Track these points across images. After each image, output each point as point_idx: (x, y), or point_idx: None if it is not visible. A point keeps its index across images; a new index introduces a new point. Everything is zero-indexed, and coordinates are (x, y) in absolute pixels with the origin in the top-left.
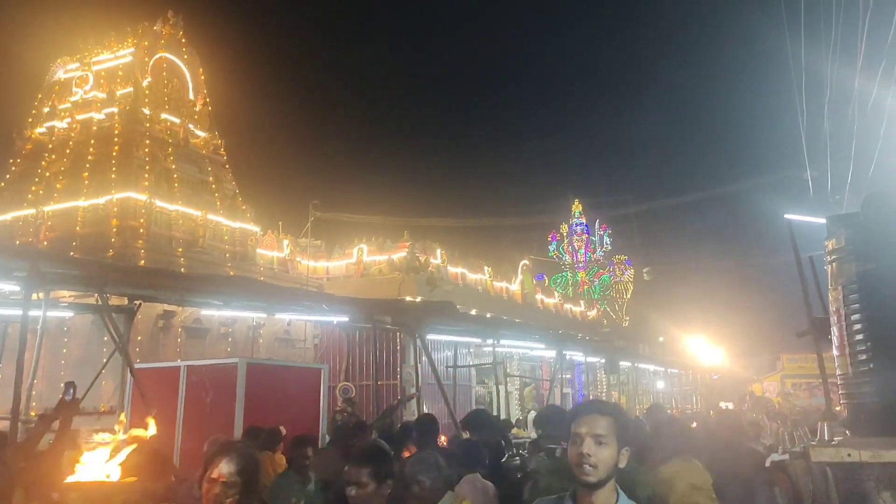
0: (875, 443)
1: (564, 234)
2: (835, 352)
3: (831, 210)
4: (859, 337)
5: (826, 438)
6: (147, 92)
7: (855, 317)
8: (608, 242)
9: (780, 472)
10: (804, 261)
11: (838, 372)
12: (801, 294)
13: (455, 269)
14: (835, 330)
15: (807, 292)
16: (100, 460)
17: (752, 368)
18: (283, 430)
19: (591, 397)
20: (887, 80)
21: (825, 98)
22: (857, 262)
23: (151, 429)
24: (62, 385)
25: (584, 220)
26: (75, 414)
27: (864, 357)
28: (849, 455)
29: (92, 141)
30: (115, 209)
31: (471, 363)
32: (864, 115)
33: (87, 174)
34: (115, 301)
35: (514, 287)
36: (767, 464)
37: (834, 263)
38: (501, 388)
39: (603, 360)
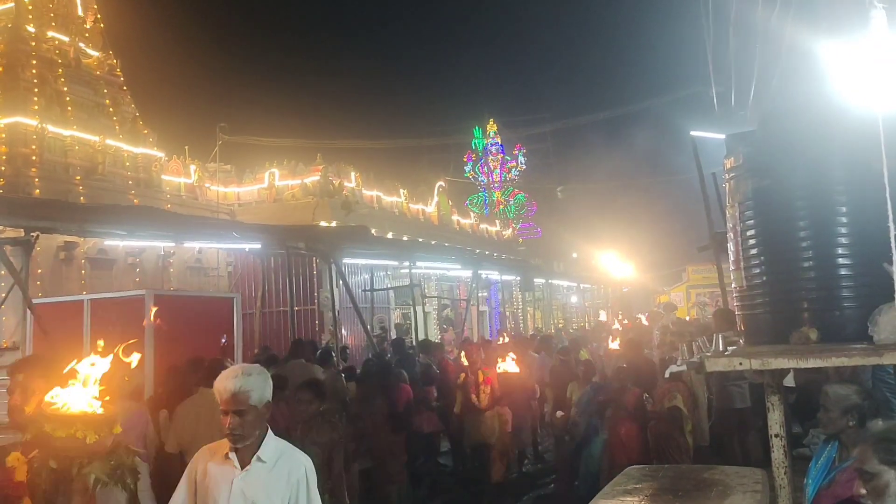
0: (764, 351)
1: (479, 154)
2: (731, 266)
3: (736, 126)
4: (753, 252)
5: (720, 349)
6: (30, 7)
7: (750, 233)
8: (523, 162)
9: (679, 380)
10: (707, 178)
11: (734, 285)
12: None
13: (370, 192)
14: (731, 245)
15: (709, 208)
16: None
17: (660, 280)
18: (228, 361)
19: (507, 314)
20: None
21: (731, 14)
22: (753, 179)
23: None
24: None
25: (499, 140)
26: None
27: (757, 271)
28: (740, 364)
29: None
30: (3, 135)
31: (388, 286)
32: (768, 31)
33: None
34: (10, 233)
35: (431, 209)
36: (666, 375)
37: (732, 180)
38: (419, 309)
39: (518, 278)
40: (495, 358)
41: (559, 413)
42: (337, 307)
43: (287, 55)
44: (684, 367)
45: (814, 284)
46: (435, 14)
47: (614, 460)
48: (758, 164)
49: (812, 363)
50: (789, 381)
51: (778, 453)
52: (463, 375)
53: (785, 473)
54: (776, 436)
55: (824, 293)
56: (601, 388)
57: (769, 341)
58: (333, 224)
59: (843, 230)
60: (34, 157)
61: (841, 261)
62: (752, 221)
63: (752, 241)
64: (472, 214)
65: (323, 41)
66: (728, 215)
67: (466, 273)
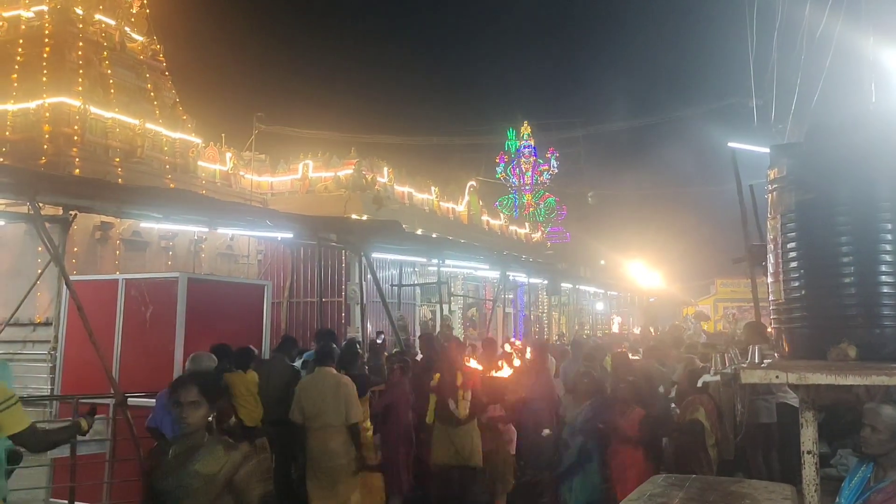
0: (802, 365)
1: (512, 156)
2: (769, 278)
3: (774, 139)
4: (793, 265)
5: (756, 361)
6: None
7: (791, 245)
8: (555, 166)
9: (704, 392)
10: (745, 189)
11: (771, 298)
12: (736, 222)
13: (402, 189)
14: (771, 257)
15: (745, 220)
16: None
17: (688, 292)
18: (254, 348)
19: (531, 318)
20: (836, 10)
21: (775, 26)
22: (797, 192)
23: None
24: None
25: (532, 143)
26: None
27: (796, 284)
28: (777, 377)
29: (20, 41)
30: (48, 114)
31: (415, 282)
32: (812, 44)
33: (15, 76)
34: (48, 211)
35: (461, 208)
36: (699, 384)
37: (775, 192)
38: (445, 307)
39: (545, 282)
40: (489, 359)
41: (545, 431)
42: (364, 300)
43: (326, 50)
44: (717, 378)
45: (854, 301)
46: (474, 14)
47: (614, 493)
48: (802, 177)
49: (851, 380)
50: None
51: (809, 470)
52: (437, 376)
53: (816, 491)
54: (808, 452)
55: (865, 310)
56: (603, 408)
57: (806, 356)
58: (364, 218)
59: (887, 247)
60: (76, 138)
61: (883, 278)
62: (793, 234)
63: (792, 254)
64: (501, 216)
65: (362, 37)
66: (769, 227)
67: (493, 274)
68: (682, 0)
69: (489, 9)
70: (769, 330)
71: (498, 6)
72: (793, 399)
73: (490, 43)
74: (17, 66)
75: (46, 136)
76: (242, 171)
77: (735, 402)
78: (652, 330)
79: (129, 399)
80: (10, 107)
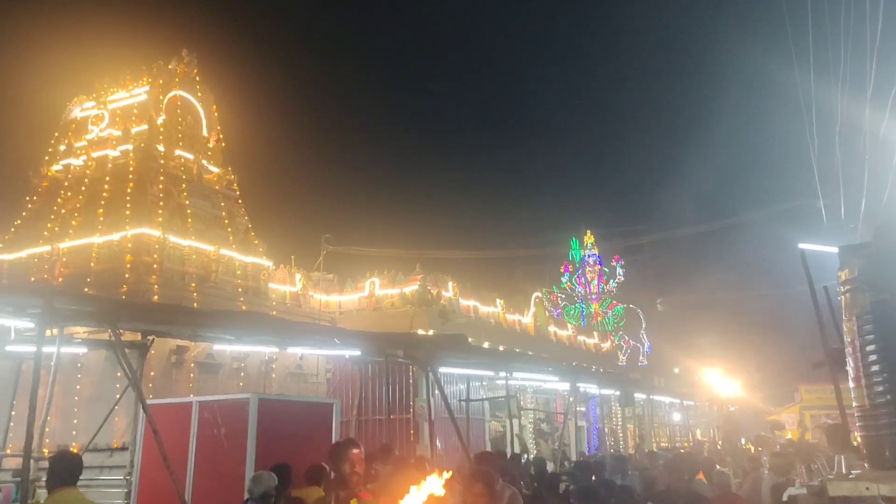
0: (894, 475)
1: (577, 265)
2: (851, 383)
3: (845, 238)
4: (875, 368)
5: (843, 471)
6: (161, 129)
7: (870, 347)
8: (621, 273)
9: None
10: (819, 291)
11: (855, 404)
12: (814, 324)
13: (467, 302)
14: (850, 361)
15: (822, 323)
16: None
17: (770, 400)
18: (326, 466)
19: (605, 430)
20: None
21: (836, 126)
22: (871, 293)
23: None
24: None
25: (596, 251)
26: None
27: (880, 388)
28: (867, 489)
29: (107, 178)
30: (130, 245)
31: (484, 396)
32: (876, 142)
33: (101, 211)
34: (128, 336)
35: (527, 319)
36: (785, 498)
37: (847, 294)
38: (515, 421)
39: (617, 393)
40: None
41: None
42: (432, 416)
43: (389, 171)
44: (803, 490)
45: None
46: (534, 127)
47: None
48: (874, 277)
49: None
50: None
51: None
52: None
53: None
54: None
55: None
56: None
57: None
58: (431, 333)
59: None
60: (155, 266)
61: None
62: (871, 336)
63: (873, 357)
64: (569, 326)
65: (424, 157)
66: (845, 329)
67: (563, 386)
68: (740, 105)
69: (551, 122)
70: (855, 436)
71: (560, 120)
72: None
73: (552, 154)
74: (102, 202)
75: (128, 265)
76: (311, 291)
77: None
78: (745, 441)
79: None
80: (96, 239)
